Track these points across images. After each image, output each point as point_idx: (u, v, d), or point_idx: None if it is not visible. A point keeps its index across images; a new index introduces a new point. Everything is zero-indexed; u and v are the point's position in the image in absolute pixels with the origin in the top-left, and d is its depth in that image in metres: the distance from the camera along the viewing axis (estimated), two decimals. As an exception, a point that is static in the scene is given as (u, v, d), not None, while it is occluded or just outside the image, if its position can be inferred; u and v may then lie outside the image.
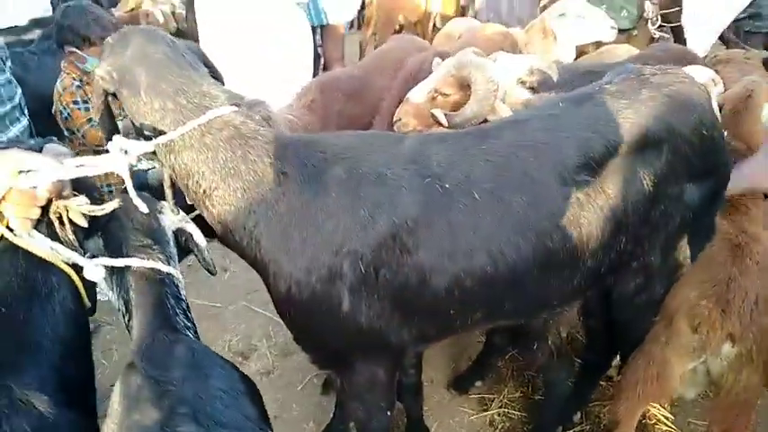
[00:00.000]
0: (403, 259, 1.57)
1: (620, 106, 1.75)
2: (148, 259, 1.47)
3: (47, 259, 1.41)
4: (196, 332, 1.57)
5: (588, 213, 1.69)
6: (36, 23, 4.07)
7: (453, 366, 3.00)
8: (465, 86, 2.38)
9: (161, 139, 1.48)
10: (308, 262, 1.56)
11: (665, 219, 1.84)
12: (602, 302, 2.11)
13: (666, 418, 2.63)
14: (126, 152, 1.44)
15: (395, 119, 2.55)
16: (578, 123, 1.72)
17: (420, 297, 1.63)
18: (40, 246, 1.40)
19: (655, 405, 2.56)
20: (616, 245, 1.78)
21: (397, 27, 6.33)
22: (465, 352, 3.06)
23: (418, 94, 2.47)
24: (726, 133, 2.47)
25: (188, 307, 1.55)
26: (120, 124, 1.73)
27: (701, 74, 2.47)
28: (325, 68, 4.25)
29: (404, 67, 2.94)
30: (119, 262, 1.44)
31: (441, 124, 2.33)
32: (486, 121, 2.40)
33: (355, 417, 1.91)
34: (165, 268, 1.50)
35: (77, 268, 1.46)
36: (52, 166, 1.33)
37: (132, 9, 5.60)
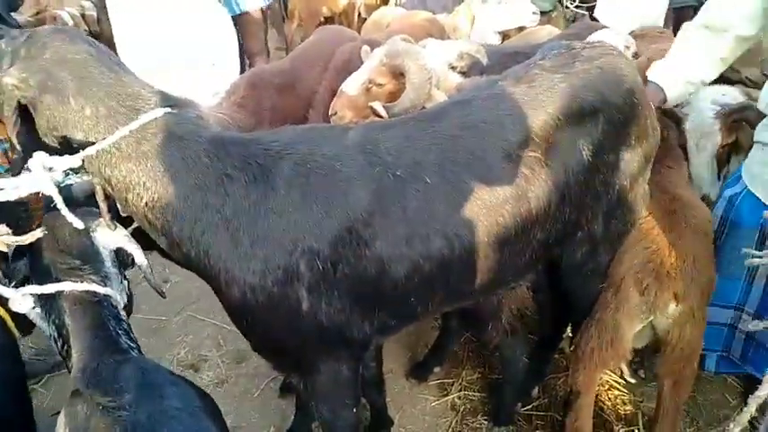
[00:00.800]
0: (361, 251, 1.55)
1: (555, 80, 1.78)
2: (81, 282, 1.37)
3: None
4: (140, 351, 1.49)
5: (535, 187, 1.72)
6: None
7: (410, 356, 3.00)
8: (398, 75, 2.36)
9: (89, 151, 1.36)
10: (261, 265, 1.49)
11: (604, 187, 1.90)
12: (551, 276, 2.15)
13: (617, 383, 2.74)
14: (51, 169, 1.31)
15: (330, 112, 2.51)
16: (518, 100, 1.74)
17: (380, 287, 1.61)
18: None
19: (606, 371, 2.66)
20: (562, 216, 1.84)
21: (322, 19, 6.24)
22: (420, 340, 3.07)
23: (352, 86, 2.43)
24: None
25: (129, 327, 1.46)
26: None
27: (615, 38, 2.55)
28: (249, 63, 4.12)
29: (333, 57, 2.89)
30: (48, 288, 1.33)
31: (380, 116, 2.31)
32: (424, 108, 2.40)
33: (321, 417, 1.86)
34: (100, 290, 1.41)
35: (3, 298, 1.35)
36: None
37: (38, 12, 5.25)
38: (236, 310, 1.60)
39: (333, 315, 1.60)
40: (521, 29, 3.71)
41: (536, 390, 2.66)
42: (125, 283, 1.62)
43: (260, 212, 1.48)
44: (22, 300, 1.30)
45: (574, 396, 2.18)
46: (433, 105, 1.95)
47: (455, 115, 1.72)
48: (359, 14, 6.11)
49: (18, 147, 1.39)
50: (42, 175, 1.31)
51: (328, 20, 6.18)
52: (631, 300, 1.99)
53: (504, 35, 3.72)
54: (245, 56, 4.15)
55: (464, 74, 2.78)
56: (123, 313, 1.47)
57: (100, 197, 1.48)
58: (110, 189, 1.46)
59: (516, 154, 1.69)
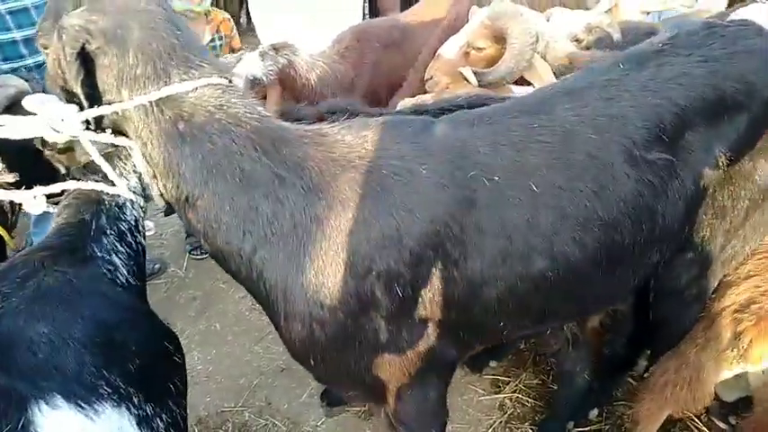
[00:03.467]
0: (448, 273, 1.31)
1: (690, 64, 1.44)
2: (86, 181, 1.33)
3: None
4: (137, 255, 1.47)
5: (663, 201, 1.41)
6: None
7: (473, 342, 2.83)
8: (500, 39, 2.15)
9: (92, 112, 1.19)
10: (329, 295, 1.25)
11: (732, 201, 1.55)
12: (640, 294, 1.85)
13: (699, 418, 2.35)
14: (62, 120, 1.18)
15: (426, 76, 2.38)
16: (644, 88, 1.41)
17: (469, 312, 1.38)
18: None
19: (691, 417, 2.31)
20: (680, 234, 1.52)
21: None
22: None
23: (450, 49, 2.28)
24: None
25: (134, 229, 1.45)
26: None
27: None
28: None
29: (446, 17, 2.72)
30: (55, 188, 1.28)
31: (470, 83, 2.13)
32: (523, 79, 2.17)
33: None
34: (105, 188, 1.33)
35: None
36: None
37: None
38: (301, 346, 1.35)
39: (415, 343, 1.37)
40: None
41: (595, 412, 2.37)
42: None
43: (324, 230, 1.24)
44: (35, 202, 1.26)
45: (632, 425, 1.92)
46: (539, 91, 1.55)
47: (566, 106, 1.39)
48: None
49: (84, 100, 1.20)
50: (40, 122, 1.17)
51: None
52: (722, 340, 1.67)
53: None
54: (380, 11, 4.07)
55: (588, 49, 2.48)
56: (135, 213, 1.46)
57: (102, 161, 1.28)
58: (152, 170, 1.27)
59: (642, 157, 1.37)
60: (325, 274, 1.25)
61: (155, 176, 1.26)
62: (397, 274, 1.26)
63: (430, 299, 1.32)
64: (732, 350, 1.66)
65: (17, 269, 1.23)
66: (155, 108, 1.18)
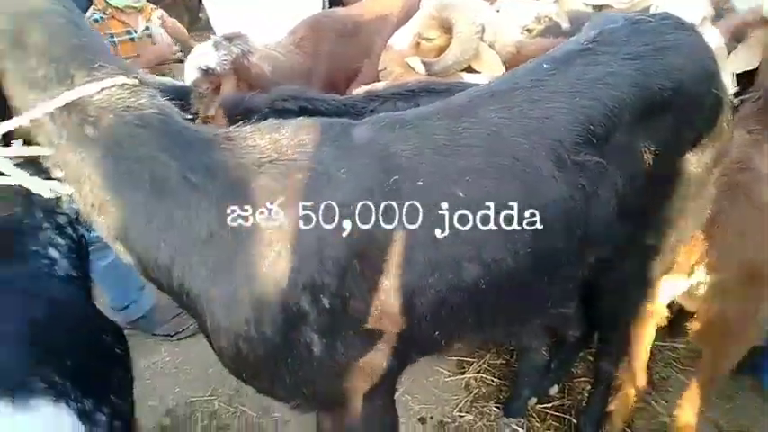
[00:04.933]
0: (376, 283, 1.25)
1: (616, 63, 1.41)
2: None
3: None
4: (78, 247, 1.45)
5: (593, 201, 1.39)
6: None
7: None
8: (448, 29, 2.18)
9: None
10: (251, 312, 1.19)
11: (663, 197, 1.58)
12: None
13: (656, 402, 2.46)
14: None
15: (379, 67, 2.40)
16: (572, 88, 1.37)
17: (401, 322, 1.33)
18: None
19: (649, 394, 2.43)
20: (616, 234, 1.53)
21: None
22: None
23: (401, 40, 2.30)
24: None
25: (74, 221, 1.44)
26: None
27: (691, 5, 2.13)
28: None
29: (401, 7, 2.74)
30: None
31: (419, 73, 2.16)
32: (470, 68, 2.21)
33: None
34: (26, 184, 1.24)
35: None
36: None
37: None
38: (229, 362, 1.28)
39: (352, 356, 1.32)
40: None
41: (555, 388, 2.45)
42: None
43: (239, 241, 1.16)
44: None
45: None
46: (462, 94, 1.46)
47: (492, 108, 1.34)
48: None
49: None
50: None
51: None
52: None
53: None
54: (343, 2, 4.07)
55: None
56: (72, 205, 1.45)
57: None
58: (67, 176, 1.20)
59: (572, 160, 1.33)
60: (247, 288, 1.17)
61: (69, 182, 1.20)
62: (323, 285, 1.20)
63: (361, 308, 1.27)
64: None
65: None
66: (62, 113, 1.12)
